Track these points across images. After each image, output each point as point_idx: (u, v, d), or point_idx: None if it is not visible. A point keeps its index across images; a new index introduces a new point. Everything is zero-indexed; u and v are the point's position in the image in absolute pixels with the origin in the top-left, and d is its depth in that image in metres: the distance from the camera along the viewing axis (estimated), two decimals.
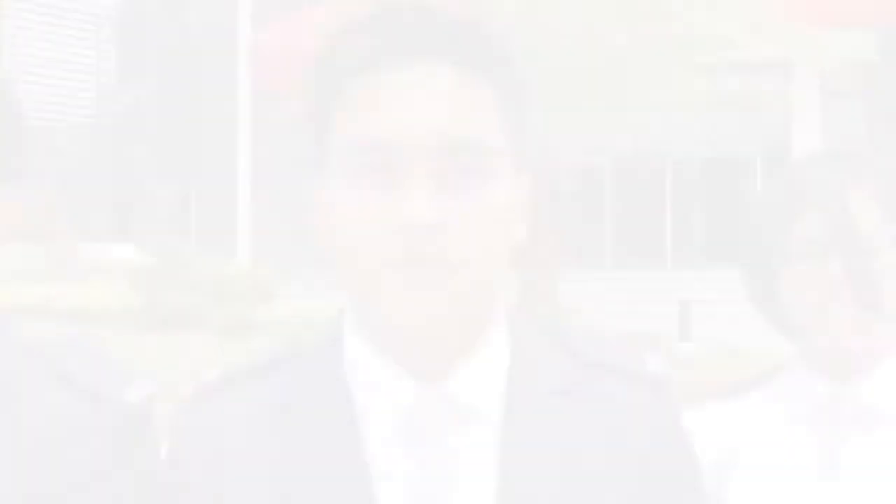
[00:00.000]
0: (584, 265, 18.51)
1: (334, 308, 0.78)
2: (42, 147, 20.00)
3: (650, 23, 8.22)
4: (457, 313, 0.70)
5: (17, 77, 17.75)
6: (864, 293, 0.96)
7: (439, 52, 0.70)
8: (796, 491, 0.98)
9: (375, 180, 0.68)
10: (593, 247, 19.30)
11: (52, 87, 20.57)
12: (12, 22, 19.25)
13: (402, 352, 0.72)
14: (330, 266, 0.72)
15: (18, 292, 9.57)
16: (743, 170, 18.54)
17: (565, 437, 0.70)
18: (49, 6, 19.77)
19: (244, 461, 0.71)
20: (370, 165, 0.69)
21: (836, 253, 0.97)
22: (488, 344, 0.74)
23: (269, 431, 0.71)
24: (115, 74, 21.41)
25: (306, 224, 0.79)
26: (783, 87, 8.86)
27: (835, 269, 0.97)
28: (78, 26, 20.46)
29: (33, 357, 0.77)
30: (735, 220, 17.92)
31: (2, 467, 0.71)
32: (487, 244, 0.71)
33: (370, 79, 0.70)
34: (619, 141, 14.27)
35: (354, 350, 0.75)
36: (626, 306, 14.82)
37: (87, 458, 0.74)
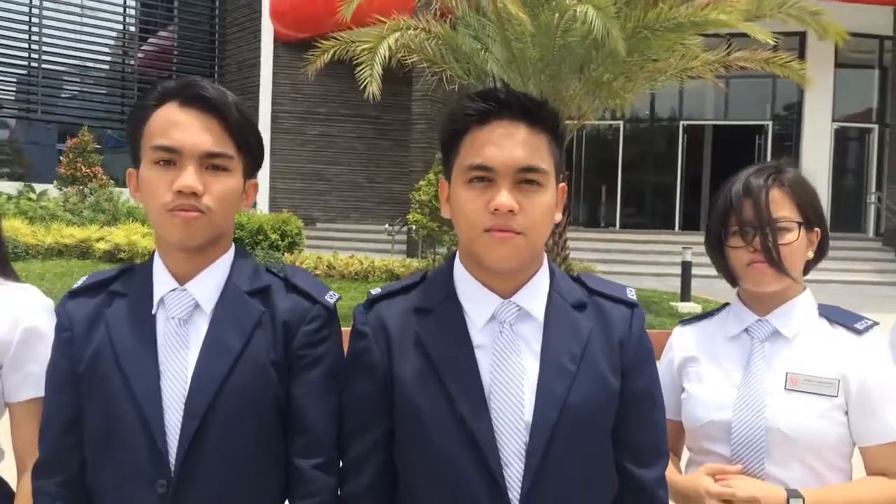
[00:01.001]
0: (600, 227, 19.05)
1: None
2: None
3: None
4: (516, 260, 1.25)
5: None
6: (775, 258, 1.48)
7: (517, 115, 1.24)
8: (725, 380, 1.52)
9: (480, 185, 1.23)
10: (607, 211, 19.75)
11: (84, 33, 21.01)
12: None
13: (487, 279, 1.28)
14: None
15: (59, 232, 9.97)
16: (755, 136, 18.79)
17: (578, 330, 1.26)
18: None
19: (402, 339, 1.26)
20: (477, 179, 1.23)
21: (759, 232, 1.49)
22: (536, 278, 1.29)
23: (418, 323, 1.27)
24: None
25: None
26: (797, 57, 9.15)
27: (757, 243, 1.50)
28: None
29: (278, 277, 1.33)
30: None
31: (265, 337, 1.27)
32: (538, 222, 1.23)
33: (481, 127, 1.24)
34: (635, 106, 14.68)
35: (461, 275, 1.32)
36: (637, 267, 15.36)
37: (310, 331, 1.30)
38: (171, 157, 1.25)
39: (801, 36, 17.58)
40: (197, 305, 1.29)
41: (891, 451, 1.42)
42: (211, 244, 1.31)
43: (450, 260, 1.35)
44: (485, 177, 1.23)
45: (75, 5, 20.74)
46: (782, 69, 9.90)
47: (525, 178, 1.22)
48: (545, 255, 1.33)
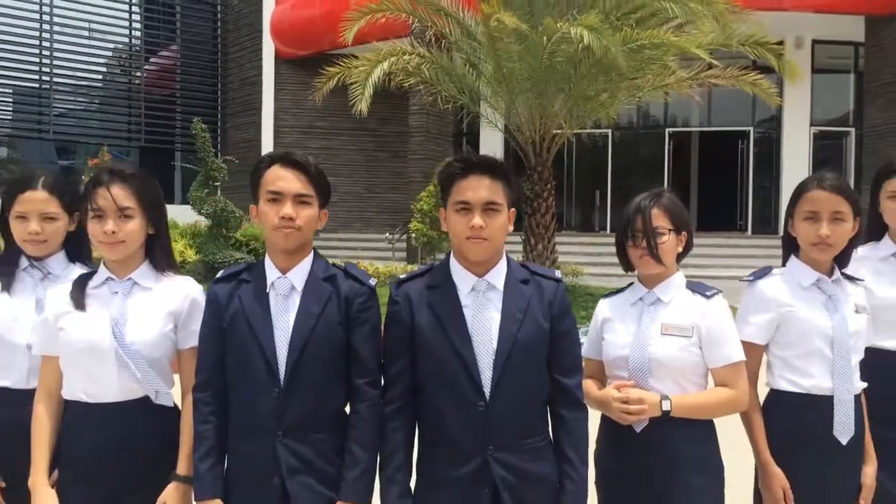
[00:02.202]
0: (586, 232, 19.87)
1: None
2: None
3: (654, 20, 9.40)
4: (487, 254, 2.08)
5: None
6: (655, 253, 2.29)
7: (483, 171, 2.07)
8: (626, 330, 2.32)
9: (461, 213, 2.06)
10: (596, 215, 20.58)
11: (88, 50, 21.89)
12: None
13: (469, 266, 2.10)
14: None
15: None
16: (738, 141, 19.63)
17: (523, 295, 2.09)
18: None
19: (421, 304, 2.09)
20: (461, 209, 2.06)
21: (643, 237, 2.30)
22: (499, 265, 2.12)
23: (428, 294, 2.11)
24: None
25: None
26: (776, 63, 9.92)
27: (642, 244, 2.30)
28: None
29: (339, 269, 2.16)
30: (727, 189, 19.18)
31: (333, 306, 2.09)
32: (497, 233, 2.08)
33: (462, 178, 2.07)
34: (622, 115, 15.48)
35: (454, 265, 2.15)
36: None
37: (360, 302, 2.12)
38: (277, 198, 2.08)
39: (780, 44, 18.45)
40: (293, 287, 2.12)
41: (727, 371, 2.24)
42: (300, 249, 2.13)
43: (446, 257, 2.18)
44: (465, 207, 2.06)
45: (83, 28, 21.59)
46: (752, 87, 10.77)
47: (489, 207, 2.06)
48: (504, 250, 2.16)
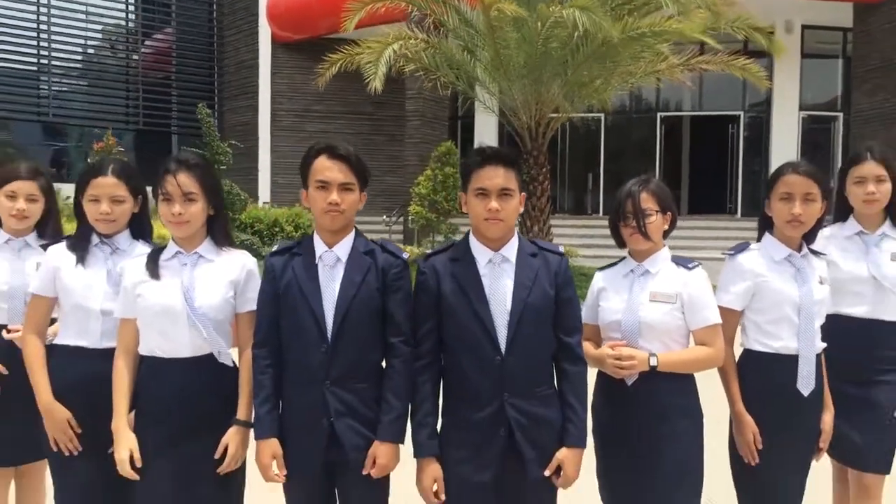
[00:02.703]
0: (579, 214, 20.27)
1: None
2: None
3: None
4: (502, 232, 2.45)
5: None
6: (643, 231, 2.66)
7: (497, 162, 2.43)
8: (619, 297, 2.69)
9: (480, 198, 2.42)
10: (589, 198, 20.98)
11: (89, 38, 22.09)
12: None
13: (486, 242, 2.47)
14: None
15: None
16: (728, 126, 20.02)
17: (532, 267, 2.46)
18: None
19: (446, 274, 2.46)
20: (480, 194, 2.42)
21: (634, 217, 2.67)
22: (511, 241, 2.49)
23: (451, 266, 2.48)
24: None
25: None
26: (765, 42, 10.28)
27: (632, 223, 2.67)
28: None
29: (377, 244, 2.53)
30: (717, 172, 19.57)
31: (372, 275, 2.46)
32: (510, 214, 2.44)
33: (480, 168, 2.43)
34: (615, 100, 15.84)
35: (473, 241, 2.51)
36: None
37: (395, 273, 2.49)
38: (324, 185, 2.44)
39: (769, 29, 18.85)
40: (338, 259, 2.48)
41: (706, 332, 2.62)
42: (344, 228, 2.50)
43: (466, 235, 2.54)
44: (483, 193, 2.42)
45: (81, 12, 21.75)
46: (742, 71, 11.14)
47: (503, 193, 2.42)
48: (516, 229, 2.53)
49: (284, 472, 2.47)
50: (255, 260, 2.66)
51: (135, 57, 22.99)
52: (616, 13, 9.59)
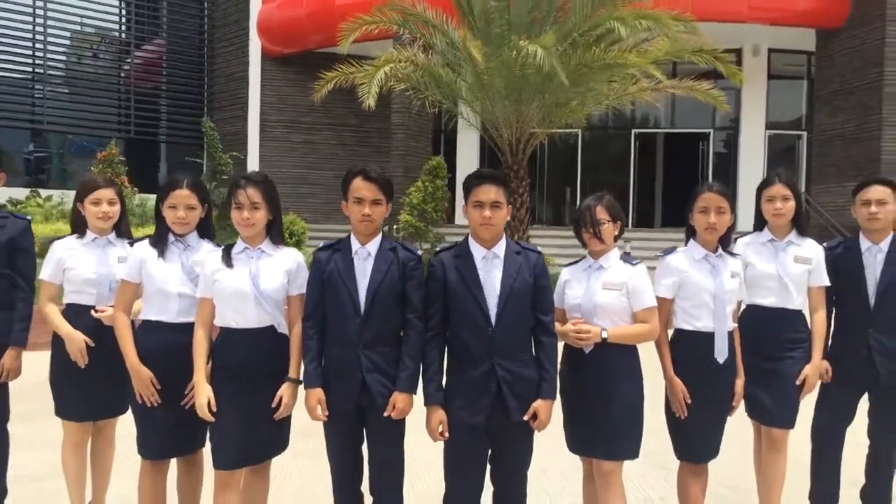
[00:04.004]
0: (557, 225, 21.15)
1: None
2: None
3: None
4: (492, 235, 3.26)
5: None
6: (599, 236, 3.47)
7: (491, 181, 3.23)
8: (580, 287, 3.49)
9: (476, 208, 3.23)
10: (567, 210, 21.89)
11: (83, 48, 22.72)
12: None
13: (481, 242, 3.28)
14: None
15: None
16: (699, 143, 21.02)
17: (516, 262, 3.27)
18: None
19: (450, 266, 3.27)
20: (476, 205, 3.23)
21: (591, 226, 3.47)
22: (500, 242, 3.30)
23: (456, 260, 3.28)
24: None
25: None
26: (723, 69, 11.23)
27: (589, 230, 3.48)
28: None
29: (398, 244, 3.34)
30: (689, 186, 20.49)
31: (395, 267, 3.27)
32: (499, 222, 3.25)
33: (477, 185, 3.24)
34: (591, 117, 16.76)
35: (472, 242, 3.31)
36: None
37: (412, 265, 3.30)
38: (359, 200, 3.25)
39: (738, 52, 19.90)
40: (369, 254, 3.28)
41: (644, 313, 3.42)
42: (374, 231, 3.30)
43: (466, 237, 3.35)
44: (479, 204, 3.23)
45: (75, 23, 22.39)
46: (705, 95, 12.09)
47: (494, 205, 3.22)
48: (504, 233, 3.35)
49: (326, 413, 3.27)
50: (302, 255, 3.46)
51: (126, 68, 23.66)
52: (584, 39, 10.50)
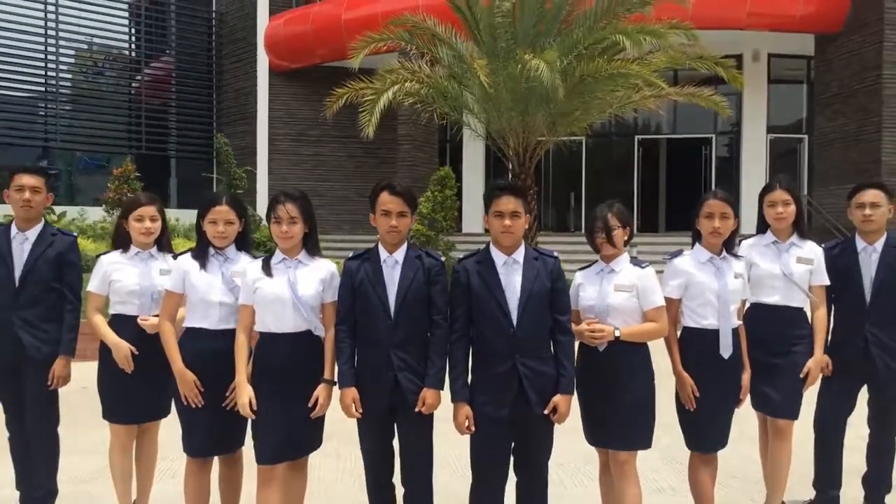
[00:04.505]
0: (563, 232, 21.41)
1: None
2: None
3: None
4: (512, 242, 3.52)
5: None
6: (611, 241, 3.72)
7: (510, 192, 3.49)
8: (593, 289, 3.74)
9: (497, 217, 3.49)
10: (571, 216, 22.14)
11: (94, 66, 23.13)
12: None
13: (502, 249, 3.54)
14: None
15: None
16: (702, 148, 21.27)
17: (534, 267, 3.53)
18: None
19: (473, 272, 3.53)
20: (497, 215, 3.49)
21: (604, 231, 3.73)
22: (520, 249, 3.56)
23: (477, 267, 3.54)
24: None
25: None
26: (725, 75, 11.52)
27: (602, 236, 3.73)
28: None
29: (422, 251, 3.60)
30: (692, 191, 20.79)
31: (420, 273, 3.53)
32: (519, 229, 3.50)
33: (498, 196, 3.50)
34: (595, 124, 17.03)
35: (493, 249, 3.57)
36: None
37: (436, 271, 3.56)
38: (387, 213, 3.51)
39: (739, 58, 20.18)
40: (397, 262, 3.54)
41: (654, 312, 3.66)
42: (400, 241, 3.56)
43: (488, 244, 3.60)
44: (499, 214, 3.48)
45: (86, 42, 22.78)
46: (707, 101, 12.35)
47: (513, 214, 3.47)
48: (523, 240, 3.60)
49: (360, 411, 3.52)
50: (335, 265, 3.72)
51: (136, 85, 24.04)
52: (590, 52, 10.78)
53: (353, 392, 3.53)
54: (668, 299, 3.81)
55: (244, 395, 3.54)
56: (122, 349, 4.00)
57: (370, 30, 12.79)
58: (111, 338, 4.03)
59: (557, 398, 3.52)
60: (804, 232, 4.25)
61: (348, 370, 3.53)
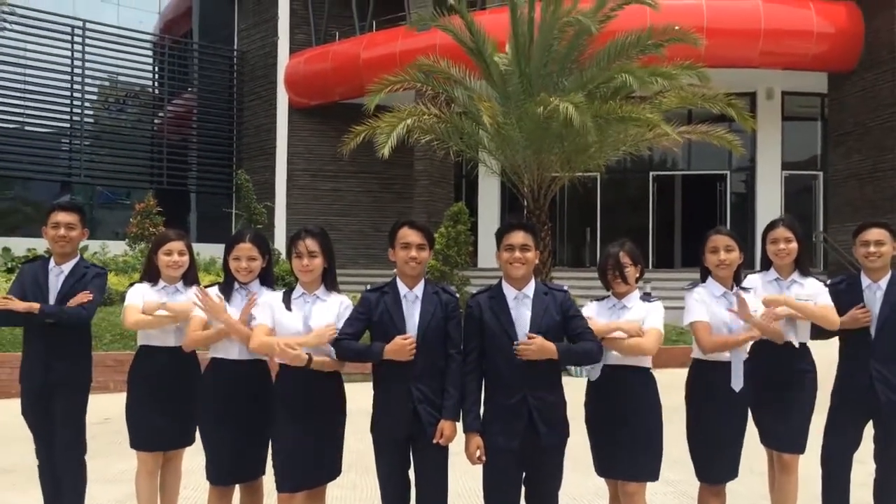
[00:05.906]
0: (578, 267, 21.51)
1: None
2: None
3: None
4: (523, 276, 3.68)
5: None
6: (623, 279, 3.87)
7: (521, 228, 3.67)
8: (606, 321, 3.88)
9: (508, 250, 3.66)
10: (587, 252, 22.26)
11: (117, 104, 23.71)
12: None
13: (512, 283, 3.70)
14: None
15: None
16: (717, 184, 21.38)
17: (544, 301, 3.67)
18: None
19: (486, 307, 3.68)
20: (508, 248, 3.66)
21: (616, 270, 3.88)
22: (530, 283, 3.71)
23: (489, 301, 3.69)
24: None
25: None
26: (736, 115, 11.73)
27: (613, 274, 3.89)
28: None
29: (438, 287, 3.77)
30: (707, 227, 20.83)
31: (439, 308, 3.69)
32: (529, 263, 3.67)
33: (509, 232, 3.67)
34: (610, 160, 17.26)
35: (505, 284, 3.73)
36: None
37: (451, 307, 3.71)
38: (406, 246, 3.68)
39: (752, 96, 20.42)
40: (416, 297, 3.70)
41: (651, 332, 3.79)
42: (419, 275, 3.73)
43: (500, 281, 3.76)
44: (510, 248, 3.65)
45: (110, 80, 23.39)
46: (719, 139, 12.53)
47: (523, 247, 3.64)
48: (533, 275, 3.76)
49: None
50: (349, 299, 3.89)
51: (158, 121, 24.60)
52: (601, 92, 11.02)
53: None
54: (700, 323, 3.96)
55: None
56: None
57: (388, 68, 13.10)
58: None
59: None
60: (806, 270, 4.38)
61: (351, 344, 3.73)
